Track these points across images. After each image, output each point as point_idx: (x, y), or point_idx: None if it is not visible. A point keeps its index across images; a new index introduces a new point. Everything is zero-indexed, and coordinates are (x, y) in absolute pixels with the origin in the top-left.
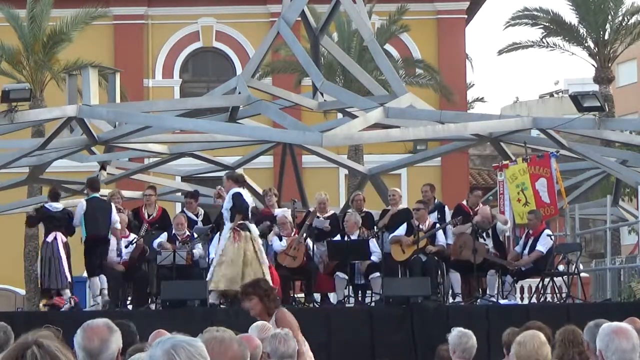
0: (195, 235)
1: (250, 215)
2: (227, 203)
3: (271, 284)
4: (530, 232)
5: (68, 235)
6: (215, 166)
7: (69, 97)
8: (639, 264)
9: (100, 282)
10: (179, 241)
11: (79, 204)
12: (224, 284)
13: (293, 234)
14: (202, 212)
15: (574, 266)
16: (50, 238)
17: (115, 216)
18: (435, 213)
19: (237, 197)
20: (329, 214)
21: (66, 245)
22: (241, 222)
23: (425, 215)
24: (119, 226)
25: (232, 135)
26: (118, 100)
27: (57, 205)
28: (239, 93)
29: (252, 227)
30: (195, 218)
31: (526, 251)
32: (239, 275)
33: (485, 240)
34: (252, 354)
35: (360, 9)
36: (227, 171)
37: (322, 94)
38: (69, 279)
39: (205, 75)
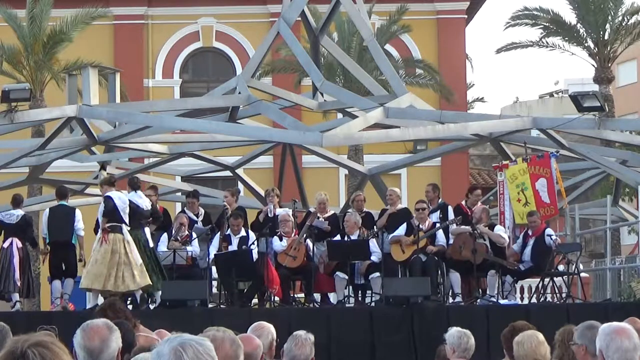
0: (195, 236)
1: (139, 218)
2: (101, 206)
3: (142, 283)
4: (530, 232)
5: (27, 242)
6: (215, 166)
7: (69, 97)
8: (639, 264)
9: (64, 286)
10: (179, 241)
11: (44, 213)
12: (87, 282)
13: (293, 234)
14: (203, 212)
15: (574, 266)
16: (6, 244)
17: (79, 223)
18: (438, 213)
19: (107, 200)
20: (329, 214)
21: (21, 250)
22: (112, 224)
23: (425, 216)
24: (82, 233)
25: (232, 135)
26: (118, 100)
27: (15, 212)
28: (239, 93)
29: (125, 229)
30: (195, 218)
31: (527, 250)
32: (102, 275)
33: (485, 240)
34: (252, 354)
35: (360, 9)
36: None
37: (322, 94)
38: (19, 284)
39: (205, 75)
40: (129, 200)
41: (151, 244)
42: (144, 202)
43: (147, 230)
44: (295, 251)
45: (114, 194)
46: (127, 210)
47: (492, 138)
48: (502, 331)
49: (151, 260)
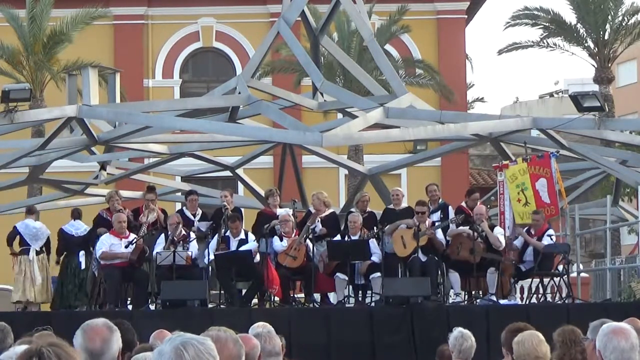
0: (193, 236)
1: None
2: None
3: (39, 299)
4: (533, 231)
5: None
6: (215, 166)
7: (69, 97)
8: (639, 264)
9: None
10: (175, 241)
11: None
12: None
13: (294, 234)
14: (201, 212)
15: (574, 266)
16: None
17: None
18: (439, 213)
19: (12, 229)
20: (327, 213)
21: None
22: (22, 248)
23: (425, 218)
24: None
25: (232, 135)
26: (118, 100)
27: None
28: (239, 93)
29: (32, 251)
30: (192, 218)
31: (529, 249)
32: (19, 290)
33: (483, 239)
34: (249, 354)
35: (360, 9)
36: None
37: (322, 94)
38: None
39: (205, 75)
40: (62, 230)
41: (82, 266)
42: (77, 230)
43: (81, 254)
44: (295, 251)
45: (21, 223)
46: (39, 234)
47: (492, 138)
48: (502, 333)
49: (80, 283)
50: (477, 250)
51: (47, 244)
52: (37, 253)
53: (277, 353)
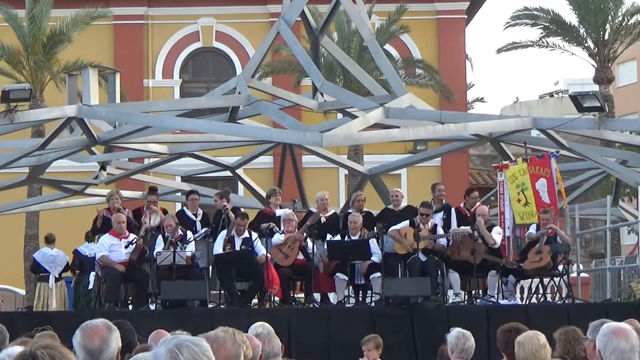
0: (190, 236)
1: None
2: None
3: None
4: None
5: None
6: (215, 166)
7: (69, 97)
8: (639, 264)
9: None
10: (173, 242)
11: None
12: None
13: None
14: (202, 212)
15: (574, 266)
16: None
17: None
18: (441, 214)
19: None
20: (329, 213)
21: None
22: (40, 274)
23: (428, 220)
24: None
25: (232, 135)
26: (118, 100)
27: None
28: (239, 93)
29: (51, 277)
30: (194, 218)
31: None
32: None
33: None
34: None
35: (360, 9)
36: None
37: (322, 94)
38: None
39: (205, 75)
40: (77, 250)
41: (90, 286)
42: (91, 251)
43: (92, 274)
44: (289, 249)
45: (38, 253)
46: (57, 261)
47: (492, 138)
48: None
49: (87, 302)
50: (478, 251)
51: (67, 269)
52: (57, 279)
53: (275, 354)
